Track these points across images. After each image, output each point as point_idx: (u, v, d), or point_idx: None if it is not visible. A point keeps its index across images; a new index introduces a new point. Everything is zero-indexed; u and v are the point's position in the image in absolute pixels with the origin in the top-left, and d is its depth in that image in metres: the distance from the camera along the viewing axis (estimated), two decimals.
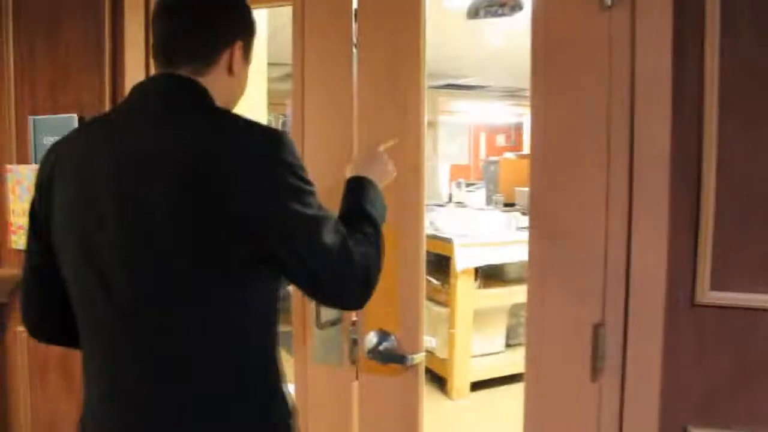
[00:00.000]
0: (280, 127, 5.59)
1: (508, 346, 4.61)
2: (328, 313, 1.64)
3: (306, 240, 1.05)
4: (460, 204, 6.46)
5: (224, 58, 1.20)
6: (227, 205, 1.02)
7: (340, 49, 1.63)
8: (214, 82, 1.18)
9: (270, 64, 3.12)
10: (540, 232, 1.46)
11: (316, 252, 1.06)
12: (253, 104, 2.73)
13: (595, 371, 1.40)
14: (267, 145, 1.07)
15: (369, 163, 1.42)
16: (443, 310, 4.25)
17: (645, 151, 1.34)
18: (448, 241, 4.06)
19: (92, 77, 2.05)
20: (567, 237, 1.43)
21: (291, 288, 1.60)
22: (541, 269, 1.46)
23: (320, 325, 1.63)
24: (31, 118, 2.14)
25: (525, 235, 4.10)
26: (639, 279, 1.35)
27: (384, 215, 1.32)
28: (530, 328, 1.49)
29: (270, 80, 3.15)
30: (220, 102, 1.18)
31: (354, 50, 1.62)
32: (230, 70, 1.21)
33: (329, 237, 1.07)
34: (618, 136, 1.36)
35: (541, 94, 1.44)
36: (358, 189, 1.32)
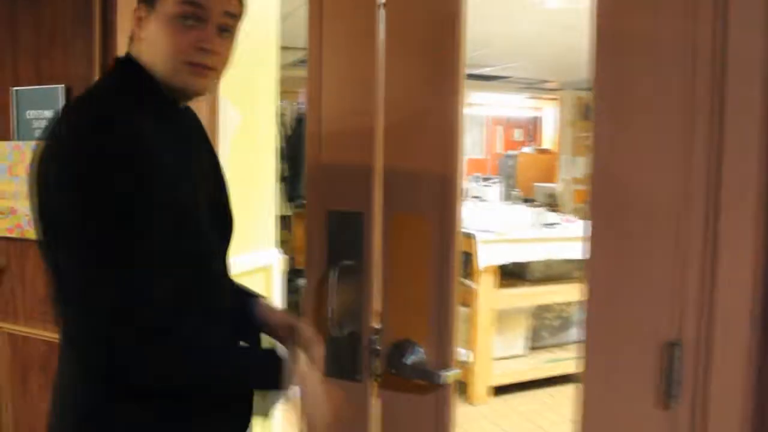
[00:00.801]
0: (294, 116, 5.42)
1: (531, 349, 4.39)
2: (345, 319, 1.40)
3: None
4: (477, 198, 6.24)
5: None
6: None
7: (364, 11, 1.38)
8: (138, 52, 1.15)
9: (283, 48, 2.88)
10: (602, 230, 1.21)
11: None
12: (261, 92, 2.48)
13: (668, 398, 1.15)
14: None
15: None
16: (463, 310, 4.02)
17: (733, 136, 1.08)
18: (469, 237, 3.82)
19: (81, 45, 1.82)
20: (635, 235, 1.18)
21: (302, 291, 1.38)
22: (601, 274, 1.21)
23: (336, 331, 1.39)
24: (12, 89, 1.91)
25: (552, 233, 3.90)
26: (725, 286, 1.10)
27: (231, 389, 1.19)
28: (587, 345, 1.24)
29: (282, 66, 2.91)
30: (149, 68, 1.13)
31: (381, 11, 1.37)
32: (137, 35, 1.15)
33: None
34: (700, 118, 1.11)
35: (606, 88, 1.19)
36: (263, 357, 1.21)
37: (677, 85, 1.12)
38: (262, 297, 1.37)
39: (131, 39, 1.16)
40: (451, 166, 1.31)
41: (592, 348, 1.23)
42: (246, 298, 1.35)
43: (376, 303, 1.40)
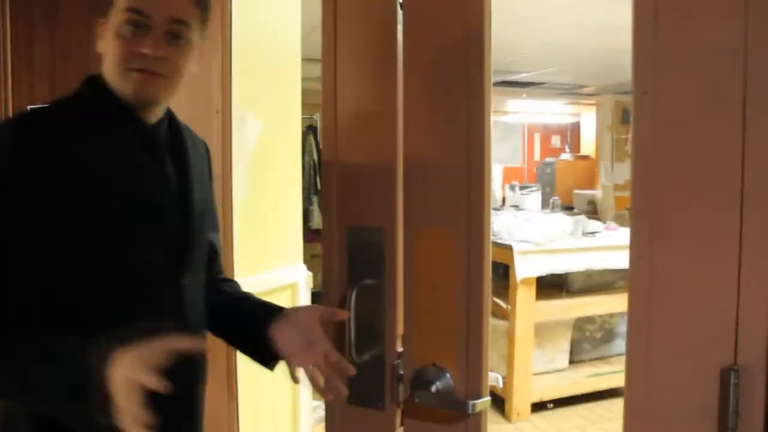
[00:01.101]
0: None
1: (571, 363, 4.24)
2: (367, 342, 1.30)
3: None
4: (515, 207, 6.10)
5: None
6: None
7: (381, 10, 1.29)
8: (103, 67, 1.18)
9: (311, 60, 2.81)
10: (646, 240, 1.09)
11: None
12: (284, 104, 2.40)
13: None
14: None
15: None
16: (500, 323, 3.89)
17: None
18: (506, 248, 3.69)
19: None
20: (684, 245, 1.06)
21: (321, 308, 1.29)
22: (647, 289, 1.09)
23: (357, 356, 1.29)
24: (29, 108, 1.86)
25: (593, 241, 3.75)
26: None
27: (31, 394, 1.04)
28: (631, 369, 1.12)
29: (312, 79, 2.84)
30: (108, 82, 1.17)
31: (399, 11, 1.28)
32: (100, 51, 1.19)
33: None
34: (755, 111, 0.99)
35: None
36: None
37: (726, 87, 1.01)
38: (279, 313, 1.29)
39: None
40: (478, 176, 1.20)
41: (638, 377, 1.11)
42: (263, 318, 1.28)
43: (400, 325, 1.30)
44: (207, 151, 1.43)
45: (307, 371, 1.25)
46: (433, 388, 1.25)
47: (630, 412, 1.12)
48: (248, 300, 1.40)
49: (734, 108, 1.01)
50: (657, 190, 1.08)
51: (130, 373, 0.90)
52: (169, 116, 1.28)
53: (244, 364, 1.80)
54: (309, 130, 6.76)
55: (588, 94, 9.03)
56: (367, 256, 1.31)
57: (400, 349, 1.31)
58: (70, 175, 1.07)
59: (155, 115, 1.22)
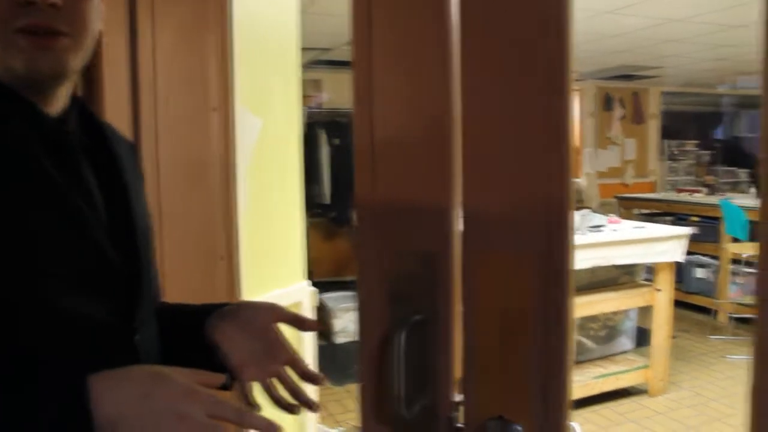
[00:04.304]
0: (305, 120, 5.15)
1: (577, 363, 4.04)
2: (416, 392, 1.06)
3: None
4: None
5: None
6: None
7: None
8: None
9: None
10: None
11: None
12: (284, 103, 2.13)
13: None
14: None
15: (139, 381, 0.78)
16: None
17: None
18: None
19: None
20: None
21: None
22: None
23: (405, 409, 1.05)
24: None
25: (600, 237, 3.56)
26: None
27: None
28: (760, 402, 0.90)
29: None
30: None
31: None
32: None
33: None
34: None
35: None
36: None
37: None
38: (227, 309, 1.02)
39: None
40: (559, 187, 0.96)
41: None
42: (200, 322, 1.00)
43: (457, 370, 1.06)
44: (134, 151, 1.10)
45: (265, 386, 1.01)
46: None
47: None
48: (184, 304, 1.10)
49: None
50: None
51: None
52: (79, 105, 0.95)
53: None
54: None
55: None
56: (416, 287, 1.07)
57: (458, 398, 1.07)
58: None
59: (58, 102, 0.89)
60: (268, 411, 1.04)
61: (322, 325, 1.13)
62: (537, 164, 0.97)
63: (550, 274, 0.99)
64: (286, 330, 1.04)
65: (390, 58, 1.07)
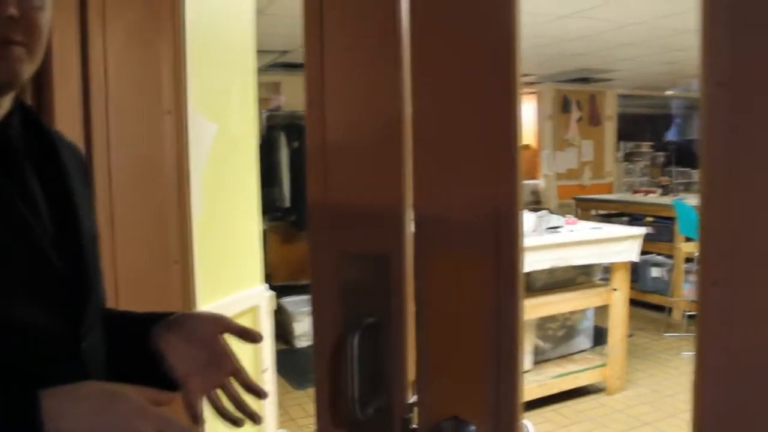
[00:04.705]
0: (263, 124, 5.13)
1: (535, 364, 4.09)
2: (370, 394, 1.06)
3: None
4: None
5: None
6: None
7: None
8: None
9: None
10: (721, 262, 0.89)
11: None
12: (240, 106, 2.11)
13: None
14: None
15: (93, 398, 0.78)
16: None
17: None
18: None
19: None
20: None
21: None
22: (720, 319, 0.89)
23: (359, 411, 1.05)
24: None
25: (558, 238, 3.61)
26: None
27: None
28: (704, 414, 0.92)
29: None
30: None
31: None
32: None
33: None
34: None
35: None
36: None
37: None
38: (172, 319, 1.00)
39: None
40: (509, 189, 0.97)
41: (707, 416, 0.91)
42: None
43: (411, 371, 1.07)
44: (80, 156, 1.08)
45: (210, 397, 1.00)
46: None
47: None
48: (130, 312, 1.10)
49: None
50: (734, 203, 0.87)
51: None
52: (23, 111, 0.93)
53: None
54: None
55: (528, 83, 8.97)
56: (369, 290, 1.07)
57: (412, 399, 1.07)
58: None
59: (1, 109, 0.87)
60: (213, 424, 1.04)
61: (256, 334, 1.12)
62: (487, 167, 0.98)
63: (501, 275, 1.00)
64: (233, 341, 1.04)
65: (341, 61, 1.08)
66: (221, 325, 1.00)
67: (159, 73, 1.50)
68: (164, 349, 0.96)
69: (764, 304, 0.86)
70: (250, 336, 1.01)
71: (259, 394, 1.01)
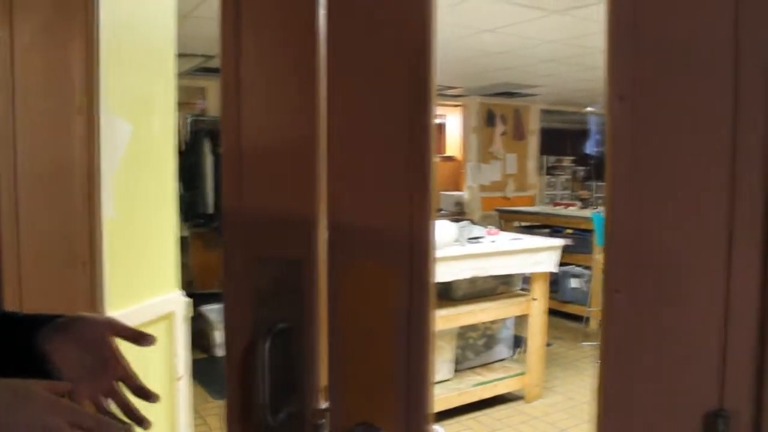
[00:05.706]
0: (189, 128, 5.04)
1: (456, 372, 4.14)
2: (281, 399, 1.06)
3: None
4: None
5: None
6: None
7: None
8: None
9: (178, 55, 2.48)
10: (623, 271, 0.93)
11: None
12: (157, 107, 2.06)
13: None
14: None
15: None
16: None
17: None
18: None
19: None
20: (665, 278, 0.90)
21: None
22: (622, 325, 0.93)
23: (270, 417, 1.05)
24: None
25: (479, 248, 3.67)
26: None
27: None
28: (607, 417, 0.95)
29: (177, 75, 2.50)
30: None
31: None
32: None
33: None
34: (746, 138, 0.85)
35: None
36: None
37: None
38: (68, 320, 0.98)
39: None
40: (421, 200, 0.99)
41: (615, 425, 0.95)
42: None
43: (323, 377, 1.07)
44: None
45: (98, 404, 0.97)
46: None
47: None
48: (17, 313, 1.06)
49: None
50: (635, 213, 0.91)
51: None
52: None
53: None
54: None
55: (454, 96, 9.10)
56: (281, 295, 1.06)
57: (324, 405, 1.07)
58: None
59: None
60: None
61: (149, 337, 1.09)
62: (400, 177, 1.00)
63: (413, 284, 1.01)
64: (124, 345, 1.01)
65: (258, 66, 1.07)
66: (112, 328, 0.98)
67: (70, 74, 1.46)
68: (50, 352, 0.93)
69: (661, 310, 0.91)
70: (142, 339, 0.99)
71: (149, 397, 0.99)
